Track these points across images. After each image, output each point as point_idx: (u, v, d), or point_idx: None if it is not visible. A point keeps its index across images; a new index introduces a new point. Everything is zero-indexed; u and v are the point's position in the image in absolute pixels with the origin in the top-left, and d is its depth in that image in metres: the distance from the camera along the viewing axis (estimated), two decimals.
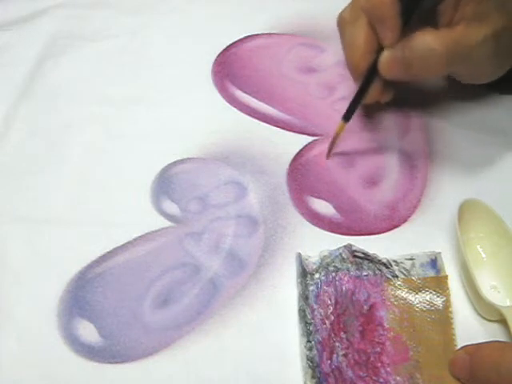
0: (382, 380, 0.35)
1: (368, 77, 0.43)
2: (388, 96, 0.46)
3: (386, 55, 0.42)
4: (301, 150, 0.47)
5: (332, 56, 0.53)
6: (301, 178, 0.45)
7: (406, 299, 0.38)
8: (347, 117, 0.45)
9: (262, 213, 0.44)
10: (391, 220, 0.43)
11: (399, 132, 0.48)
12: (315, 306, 0.38)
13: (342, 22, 0.46)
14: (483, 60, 0.42)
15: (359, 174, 0.45)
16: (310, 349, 0.36)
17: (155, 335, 0.38)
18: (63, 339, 0.38)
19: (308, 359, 0.36)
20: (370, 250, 0.40)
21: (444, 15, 0.43)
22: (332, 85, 0.51)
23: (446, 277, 0.38)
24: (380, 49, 0.42)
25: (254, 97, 0.50)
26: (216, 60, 0.53)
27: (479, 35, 0.41)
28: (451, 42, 0.41)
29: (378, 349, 0.36)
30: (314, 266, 0.40)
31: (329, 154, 0.46)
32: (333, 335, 0.37)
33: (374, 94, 0.45)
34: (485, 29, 0.41)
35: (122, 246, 0.42)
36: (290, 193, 0.45)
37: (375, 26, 0.42)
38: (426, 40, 0.41)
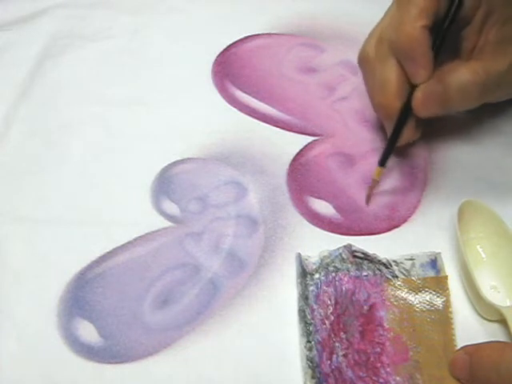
0: (381, 380, 0.35)
1: (402, 117, 0.42)
2: (418, 134, 0.44)
3: (420, 93, 0.40)
4: (301, 150, 0.47)
5: (332, 56, 0.53)
6: (301, 178, 0.45)
7: (405, 299, 0.38)
8: (383, 162, 0.43)
9: (262, 213, 0.44)
10: (391, 220, 0.43)
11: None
12: (315, 307, 0.38)
13: (367, 60, 0.44)
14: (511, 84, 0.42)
15: (359, 174, 0.45)
16: (310, 349, 0.36)
17: (155, 335, 0.38)
18: (63, 339, 0.38)
19: (308, 359, 0.36)
20: (370, 250, 0.40)
21: (467, 41, 0.42)
22: (332, 85, 0.51)
23: (445, 277, 0.38)
24: (412, 87, 0.41)
25: (254, 97, 0.50)
26: (216, 60, 0.53)
27: (506, 62, 0.40)
28: (484, 73, 0.40)
29: (378, 349, 0.36)
30: (314, 266, 0.40)
31: (368, 201, 0.44)
32: (333, 335, 0.37)
33: (408, 134, 0.43)
34: (510, 53, 0.40)
35: (122, 246, 0.42)
36: (290, 193, 0.45)
37: (405, 63, 0.40)
38: (462, 74, 0.40)
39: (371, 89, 0.44)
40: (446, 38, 0.40)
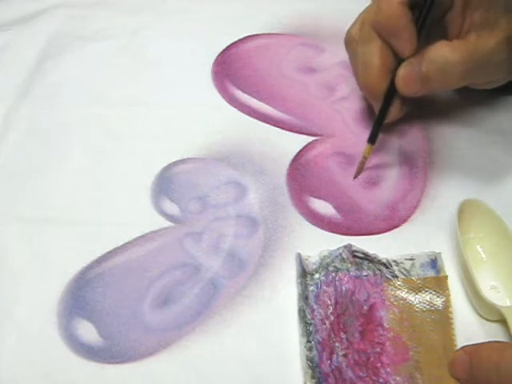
0: (381, 380, 0.35)
1: (388, 97, 0.43)
2: (403, 111, 0.45)
3: (402, 72, 0.41)
4: (301, 150, 0.47)
5: (332, 56, 0.53)
6: (301, 178, 0.45)
7: (405, 299, 0.38)
8: (372, 140, 0.44)
9: (262, 213, 0.43)
10: (391, 220, 0.43)
11: (399, 132, 0.48)
12: (315, 306, 0.38)
13: (352, 42, 0.45)
14: (498, 66, 0.42)
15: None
16: (310, 349, 0.36)
17: (155, 335, 0.38)
18: (63, 339, 0.38)
19: (308, 359, 0.36)
20: (370, 250, 0.40)
21: (452, 25, 0.42)
22: (332, 85, 0.51)
23: (445, 277, 0.38)
24: (396, 67, 0.42)
25: (254, 97, 0.50)
26: (216, 60, 0.53)
27: (492, 43, 0.41)
28: (467, 53, 0.40)
29: (378, 349, 0.36)
30: (314, 266, 0.40)
31: (356, 176, 0.45)
32: (333, 335, 0.37)
33: (394, 112, 0.44)
34: (496, 35, 0.41)
35: (122, 246, 0.42)
36: (290, 193, 0.45)
37: (390, 40, 0.42)
38: (443, 52, 0.40)
39: (356, 70, 0.45)
40: (428, 13, 0.41)
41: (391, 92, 0.42)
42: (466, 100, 0.49)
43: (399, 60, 0.42)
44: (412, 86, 0.41)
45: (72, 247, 0.42)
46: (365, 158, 0.44)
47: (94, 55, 0.54)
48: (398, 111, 0.44)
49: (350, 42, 0.46)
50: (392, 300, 0.38)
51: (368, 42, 0.43)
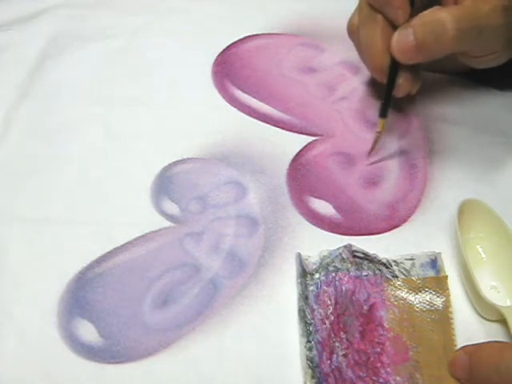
0: (381, 380, 0.35)
1: (392, 71, 0.43)
2: (417, 85, 0.45)
3: (396, 37, 0.41)
4: (301, 150, 0.47)
5: (332, 56, 0.53)
6: (301, 178, 0.45)
7: (405, 299, 0.38)
8: (383, 114, 0.45)
9: (262, 213, 0.43)
10: (391, 220, 0.43)
11: (399, 132, 0.48)
12: (315, 306, 0.38)
13: (353, 28, 0.46)
14: (494, 33, 0.41)
15: (359, 174, 0.45)
16: (310, 349, 0.36)
17: (155, 335, 0.38)
18: (63, 339, 0.38)
19: (308, 359, 0.36)
20: (370, 250, 0.40)
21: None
22: (332, 85, 0.51)
23: (445, 277, 0.38)
24: None
25: (253, 97, 0.50)
26: (216, 60, 0.53)
27: (487, 7, 0.40)
28: (461, 15, 0.40)
29: (378, 349, 0.36)
30: (314, 266, 0.40)
31: (371, 152, 0.46)
32: (333, 335, 0.37)
33: (405, 86, 0.44)
34: (492, 2, 0.40)
35: (122, 246, 0.42)
36: (290, 193, 0.45)
37: (383, 10, 0.42)
38: (435, 14, 0.40)
39: (361, 55, 0.46)
40: None
41: (395, 63, 0.43)
42: (467, 100, 0.49)
43: None
44: (407, 51, 0.41)
45: (72, 247, 0.42)
46: (378, 132, 0.45)
47: (94, 55, 0.54)
48: (409, 84, 0.44)
49: (351, 30, 0.46)
50: (392, 300, 0.38)
51: (367, 23, 0.44)
